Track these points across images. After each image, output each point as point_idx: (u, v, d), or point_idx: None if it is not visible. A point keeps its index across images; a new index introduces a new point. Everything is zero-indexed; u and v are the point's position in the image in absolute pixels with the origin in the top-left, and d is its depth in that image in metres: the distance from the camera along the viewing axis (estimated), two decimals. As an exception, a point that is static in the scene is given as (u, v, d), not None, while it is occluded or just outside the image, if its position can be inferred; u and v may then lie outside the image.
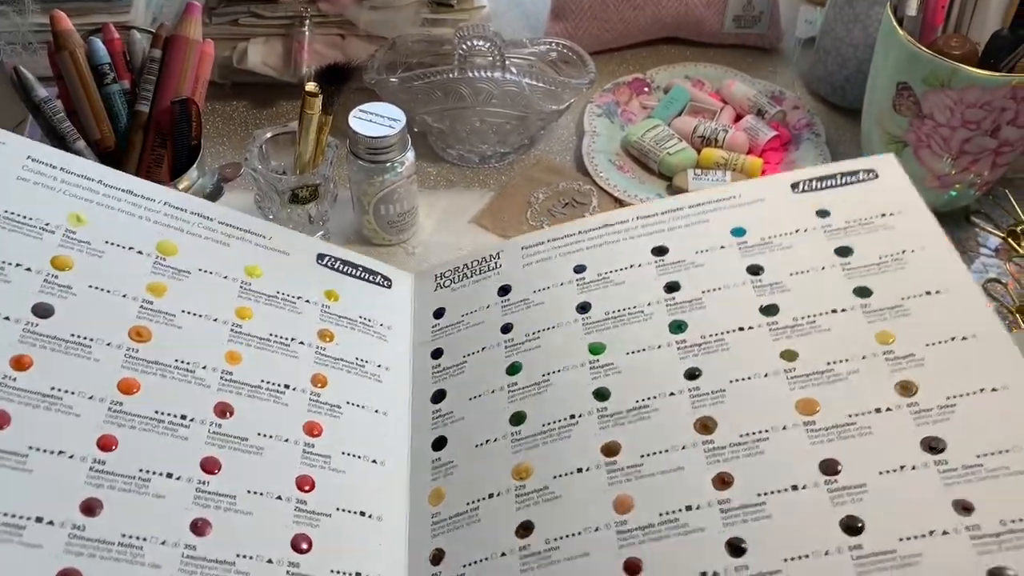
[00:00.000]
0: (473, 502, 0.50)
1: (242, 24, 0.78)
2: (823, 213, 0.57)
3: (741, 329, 0.52)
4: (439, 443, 0.53)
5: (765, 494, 0.45)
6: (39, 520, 0.42)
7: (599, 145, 0.78)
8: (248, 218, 0.58)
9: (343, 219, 0.71)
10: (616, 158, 0.78)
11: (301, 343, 0.54)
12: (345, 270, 0.59)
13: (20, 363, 0.45)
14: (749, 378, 0.50)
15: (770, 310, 0.53)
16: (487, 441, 0.52)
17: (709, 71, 0.85)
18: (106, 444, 0.45)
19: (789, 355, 0.51)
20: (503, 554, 0.47)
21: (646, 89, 0.84)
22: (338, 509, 0.49)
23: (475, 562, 0.48)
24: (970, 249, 0.73)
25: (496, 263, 0.61)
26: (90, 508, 0.43)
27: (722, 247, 0.57)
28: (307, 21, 0.77)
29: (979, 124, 0.65)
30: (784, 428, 0.48)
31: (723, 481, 0.46)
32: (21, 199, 0.50)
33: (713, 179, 0.74)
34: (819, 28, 0.82)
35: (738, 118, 0.81)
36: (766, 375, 0.50)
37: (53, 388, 0.45)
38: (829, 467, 0.46)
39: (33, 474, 0.43)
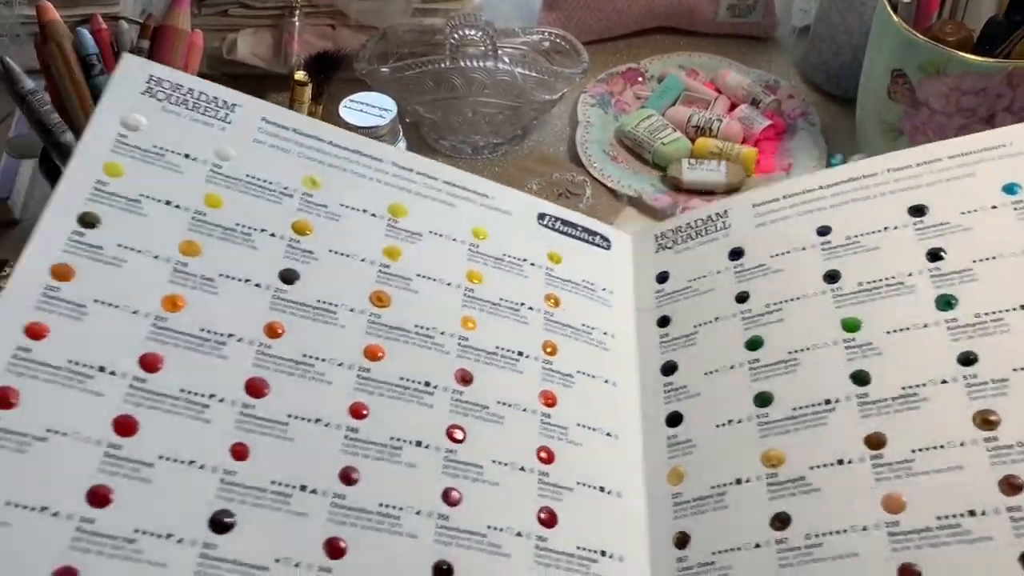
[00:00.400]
0: (719, 486, 0.46)
1: (231, 15, 0.77)
2: None
3: (1023, 307, 0.45)
4: (674, 419, 0.49)
5: None
6: (303, 488, 0.42)
7: (593, 135, 0.78)
8: (470, 176, 0.56)
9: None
10: (610, 148, 0.77)
11: (530, 308, 0.52)
12: (565, 230, 0.57)
13: (273, 330, 0.46)
14: None
15: None
16: (729, 422, 0.47)
17: (703, 60, 0.84)
18: (357, 411, 0.45)
19: None
20: (757, 545, 0.43)
21: (640, 79, 0.84)
22: (578, 483, 0.47)
23: (726, 550, 0.44)
24: (967, 238, 0.72)
25: (724, 223, 0.55)
26: (348, 477, 0.43)
27: (993, 207, 0.48)
28: (297, 11, 0.76)
29: (975, 111, 0.64)
30: None
31: (1012, 485, 0.40)
32: (259, 163, 0.50)
33: (707, 169, 0.74)
34: (814, 16, 0.82)
35: (732, 108, 0.80)
36: None
37: (305, 355, 0.45)
38: None
39: (295, 443, 0.43)
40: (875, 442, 0.44)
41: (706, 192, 0.72)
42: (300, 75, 0.59)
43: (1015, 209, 0.48)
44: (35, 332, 0.42)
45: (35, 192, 0.71)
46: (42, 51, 0.61)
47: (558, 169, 0.74)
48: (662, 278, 0.55)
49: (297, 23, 0.73)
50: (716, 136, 0.74)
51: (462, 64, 0.68)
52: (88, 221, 0.45)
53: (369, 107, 0.61)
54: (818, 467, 0.44)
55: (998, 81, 0.61)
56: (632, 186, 0.71)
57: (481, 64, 0.68)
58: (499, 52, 0.69)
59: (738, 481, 0.46)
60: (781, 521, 0.43)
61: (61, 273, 0.43)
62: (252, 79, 0.80)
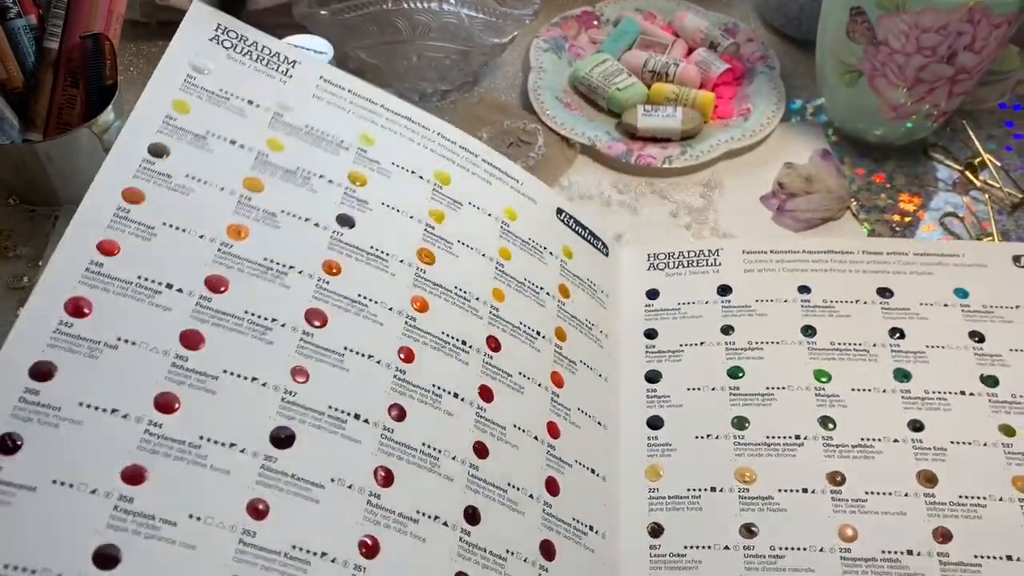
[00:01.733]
0: (694, 490, 0.54)
1: (164, -43, 0.73)
2: None
3: (962, 393, 0.56)
4: (655, 422, 0.57)
5: (983, 557, 0.50)
6: (357, 417, 0.47)
7: (546, 82, 0.76)
8: (505, 160, 0.62)
9: (273, 162, 0.68)
10: (563, 95, 0.76)
11: (547, 294, 0.58)
12: (577, 229, 0.63)
13: (331, 267, 0.51)
14: (969, 443, 0.54)
15: (991, 381, 0.56)
16: (708, 435, 0.56)
17: (660, 3, 0.85)
18: (406, 356, 0.50)
19: (1007, 430, 0.54)
20: (726, 547, 0.51)
21: (595, 23, 0.82)
22: (576, 461, 0.53)
23: (697, 547, 0.51)
24: (928, 184, 0.72)
25: (715, 260, 0.63)
26: (396, 413, 0.48)
27: (945, 305, 0.60)
28: (232, -49, 0.72)
29: (935, 50, 0.63)
30: (1000, 500, 0.52)
31: (943, 535, 0.50)
32: (318, 116, 0.56)
33: (663, 115, 0.72)
34: (773, -45, 0.80)
35: (690, 52, 0.79)
36: (984, 444, 0.54)
37: (360, 295, 0.51)
38: None
39: (350, 373, 0.48)
40: (835, 479, 0.53)
41: (662, 139, 0.69)
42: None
43: (962, 311, 0.60)
44: (107, 249, 0.46)
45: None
46: (-51, -8, 0.57)
47: (509, 117, 0.72)
48: (652, 294, 0.63)
49: (232, -36, 0.70)
50: (673, 81, 0.72)
51: (406, 5, 0.66)
52: (158, 151, 0.50)
53: (304, 50, 0.58)
54: (785, 491, 0.53)
55: (958, 17, 0.60)
56: (586, 134, 0.69)
57: (426, 5, 0.66)
58: (444, -7, 0.66)
59: (712, 489, 0.53)
60: (749, 531, 0.51)
61: (132, 197, 0.48)
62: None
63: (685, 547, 0.51)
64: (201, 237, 0.48)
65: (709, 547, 0.51)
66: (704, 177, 0.73)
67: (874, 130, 0.73)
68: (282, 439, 0.44)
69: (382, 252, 0.53)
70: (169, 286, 0.46)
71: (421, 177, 0.57)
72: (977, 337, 0.58)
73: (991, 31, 0.63)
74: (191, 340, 0.45)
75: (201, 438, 0.42)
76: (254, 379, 0.45)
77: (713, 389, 0.57)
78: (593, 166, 0.74)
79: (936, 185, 0.73)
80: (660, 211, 0.70)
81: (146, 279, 0.46)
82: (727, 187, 0.72)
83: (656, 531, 0.52)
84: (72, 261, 0.45)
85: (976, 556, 0.50)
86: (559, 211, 0.63)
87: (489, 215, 0.59)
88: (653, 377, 0.59)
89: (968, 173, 0.72)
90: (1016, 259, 0.62)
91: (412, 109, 0.60)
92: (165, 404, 0.43)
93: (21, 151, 0.63)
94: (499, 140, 0.74)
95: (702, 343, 0.60)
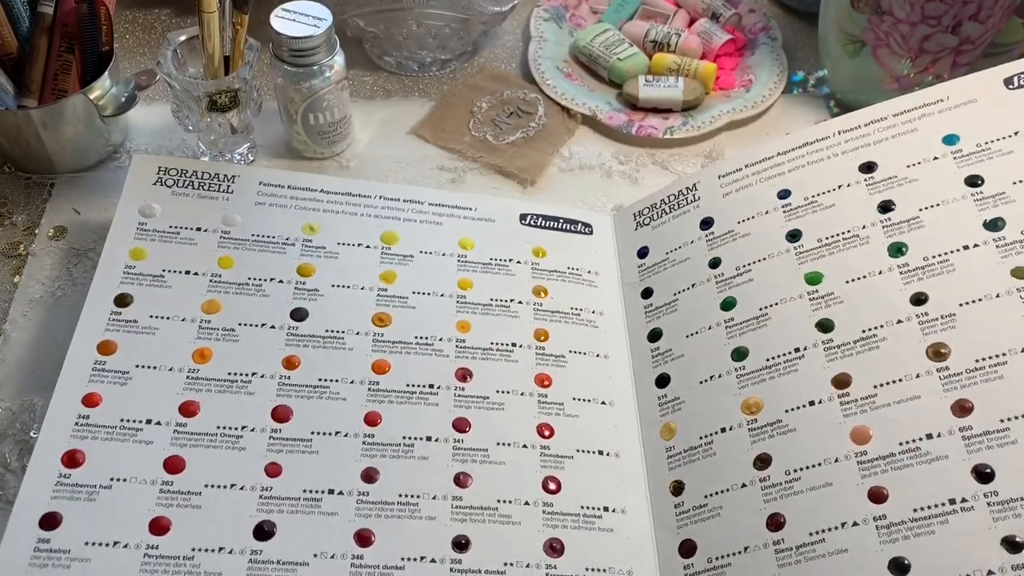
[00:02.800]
0: (706, 436, 0.54)
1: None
2: None
3: (966, 248, 0.53)
4: (662, 380, 0.58)
5: (1010, 419, 0.47)
6: (331, 492, 0.51)
7: (546, 51, 0.76)
8: (452, 194, 0.66)
9: (271, 131, 0.70)
10: (564, 65, 0.75)
11: (520, 303, 0.61)
12: (547, 225, 0.65)
13: (290, 363, 0.55)
14: (979, 300, 0.51)
15: (995, 224, 0.53)
16: (711, 377, 0.56)
17: (662, -28, 0.81)
18: (371, 420, 0.54)
19: (1021, 273, 0.51)
20: (743, 485, 0.51)
21: (596, -8, 0.81)
22: (578, 451, 0.55)
23: (716, 493, 0.52)
24: (929, 155, 0.70)
25: (694, 195, 0.64)
26: (369, 476, 0.52)
27: (935, 158, 0.57)
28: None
29: (940, 20, 0.62)
30: (1023, 351, 0.49)
31: (962, 408, 0.48)
32: (262, 222, 0.61)
33: (665, 85, 0.71)
34: (776, -76, 0.79)
35: (692, 22, 0.78)
36: (997, 296, 0.51)
37: (320, 379, 0.55)
38: None
39: (319, 455, 0.52)
40: (841, 382, 0.51)
41: (663, 110, 0.68)
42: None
43: (955, 158, 0.56)
44: (91, 401, 0.52)
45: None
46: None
47: (510, 87, 0.71)
48: (642, 253, 0.63)
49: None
50: (674, 51, 0.72)
51: (404, -29, 0.64)
52: (123, 301, 0.56)
53: (303, 16, 0.59)
54: (792, 410, 0.52)
55: (965, -15, 0.58)
56: (587, 104, 0.69)
57: (424, -29, 0.64)
58: (444, -41, 0.65)
59: (723, 430, 0.53)
60: (763, 461, 0.51)
61: (106, 349, 0.54)
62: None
63: (705, 497, 0.52)
64: (170, 370, 0.54)
65: (727, 490, 0.51)
66: (705, 148, 0.73)
67: (876, 101, 0.72)
68: (265, 531, 0.49)
69: (337, 332, 0.57)
70: (148, 421, 0.52)
71: (368, 246, 0.61)
72: (973, 181, 0.54)
73: (997, 0, 0.63)
74: (173, 466, 0.51)
75: (193, 549, 0.48)
76: (232, 485, 0.50)
77: (710, 328, 0.57)
78: (594, 137, 0.74)
79: (938, 157, 0.72)
80: (661, 182, 0.71)
81: (127, 420, 0.52)
82: (728, 158, 0.72)
83: (678, 489, 0.53)
84: (62, 417, 0.51)
85: (1002, 420, 0.46)
86: (522, 217, 0.65)
87: (443, 255, 0.62)
88: (655, 335, 0.60)
89: (970, 146, 0.72)
90: (1008, 81, 0.57)
91: (350, 183, 0.64)
92: (158, 527, 0.49)
93: (16, 117, 0.64)
94: (499, 110, 0.74)
95: (693, 285, 0.60)
